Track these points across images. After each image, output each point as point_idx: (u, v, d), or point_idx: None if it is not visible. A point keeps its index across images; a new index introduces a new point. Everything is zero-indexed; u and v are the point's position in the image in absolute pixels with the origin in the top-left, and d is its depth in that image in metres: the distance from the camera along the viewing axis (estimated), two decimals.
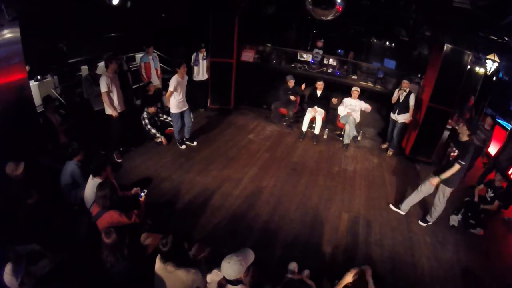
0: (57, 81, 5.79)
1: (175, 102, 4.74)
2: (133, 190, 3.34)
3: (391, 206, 4.20)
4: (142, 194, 3.07)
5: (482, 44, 5.87)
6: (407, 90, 5.29)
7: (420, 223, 3.98)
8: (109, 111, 4.30)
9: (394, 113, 5.57)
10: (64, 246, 2.61)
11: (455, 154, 3.53)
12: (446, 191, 3.68)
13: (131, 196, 3.29)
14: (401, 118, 5.45)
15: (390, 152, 5.77)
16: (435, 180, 3.64)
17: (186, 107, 4.93)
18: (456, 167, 3.46)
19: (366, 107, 5.70)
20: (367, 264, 3.14)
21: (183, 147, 5.13)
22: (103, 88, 4.12)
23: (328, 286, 2.87)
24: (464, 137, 3.49)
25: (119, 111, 4.36)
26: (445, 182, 3.64)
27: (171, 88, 4.56)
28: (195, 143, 5.29)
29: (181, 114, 4.92)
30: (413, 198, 3.99)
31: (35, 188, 2.80)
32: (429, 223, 3.95)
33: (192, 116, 6.17)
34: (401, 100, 5.38)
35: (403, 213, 4.09)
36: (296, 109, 6.28)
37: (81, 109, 5.27)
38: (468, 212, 3.99)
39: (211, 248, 2.54)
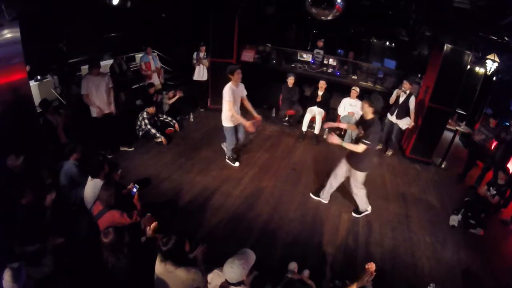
0: (57, 81, 5.80)
1: (230, 115, 4.17)
2: (127, 187, 3.32)
3: (311, 195, 4.08)
4: (134, 190, 3.00)
5: (482, 44, 5.87)
6: (408, 91, 5.18)
7: (354, 214, 3.94)
8: (93, 112, 4.34)
9: (392, 115, 5.46)
10: (64, 246, 2.60)
11: (362, 133, 3.42)
12: (357, 175, 3.59)
13: (126, 194, 3.27)
14: (402, 123, 5.36)
15: (389, 153, 5.76)
16: (334, 139, 3.42)
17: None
18: (360, 146, 3.31)
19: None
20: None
21: (237, 164, 4.72)
22: (82, 90, 4.18)
23: (328, 286, 2.87)
24: (369, 116, 3.37)
25: (103, 113, 4.34)
26: (354, 166, 3.57)
27: (228, 99, 4.01)
28: (237, 163, 4.73)
29: (235, 128, 4.38)
30: (331, 184, 3.95)
31: (29, 187, 2.80)
32: (363, 213, 3.93)
33: (192, 117, 6.21)
34: (400, 102, 5.27)
35: (325, 202, 4.06)
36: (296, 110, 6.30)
37: (79, 108, 5.26)
38: (468, 212, 3.99)
39: (207, 245, 2.54)
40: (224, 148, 4.75)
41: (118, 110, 4.73)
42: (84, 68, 6.26)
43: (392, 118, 5.46)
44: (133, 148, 4.93)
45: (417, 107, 5.29)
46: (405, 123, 5.34)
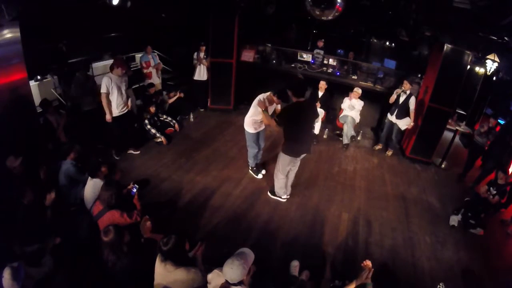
0: (57, 81, 5.80)
1: (252, 120, 4.06)
2: (127, 187, 3.31)
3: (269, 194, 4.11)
4: (134, 190, 3.01)
5: (482, 44, 5.87)
6: (408, 92, 5.16)
7: (268, 193, 4.08)
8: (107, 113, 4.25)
9: (392, 115, 5.46)
10: (64, 246, 2.61)
11: None
12: (279, 156, 3.64)
13: (126, 194, 3.26)
14: (401, 123, 5.34)
15: (389, 152, 5.74)
16: (261, 105, 3.75)
17: (262, 127, 4.25)
18: (273, 121, 3.40)
19: (360, 105, 5.69)
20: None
21: (260, 176, 4.53)
22: (103, 89, 4.02)
23: (328, 286, 2.87)
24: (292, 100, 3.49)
25: (119, 113, 4.29)
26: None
27: (261, 108, 3.78)
28: (263, 171, 4.57)
29: (257, 134, 4.26)
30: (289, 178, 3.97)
31: (30, 187, 2.81)
32: (276, 197, 4.03)
33: (192, 117, 6.21)
34: (400, 102, 5.26)
35: (285, 198, 4.07)
36: None
37: (78, 108, 5.26)
38: (468, 212, 3.99)
39: (206, 244, 2.55)
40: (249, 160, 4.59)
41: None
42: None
43: (392, 118, 5.46)
44: (139, 151, 4.86)
45: (417, 107, 5.27)
46: (404, 123, 5.33)
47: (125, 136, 4.66)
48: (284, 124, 3.36)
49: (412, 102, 5.15)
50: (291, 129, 3.39)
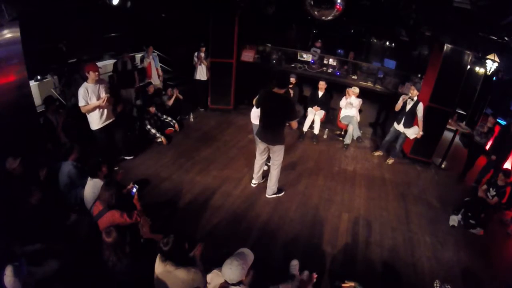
0: (57, 81, 5.80)
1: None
2: (127, 187, 3.30)
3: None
4: (134, 190, 3.00)
5: (482, 44, 5.86)
6: (415, 98, 4.87)
7: (267, 196, 4.08)
8: (93, 125, 3.96)
9: (398, 124, 5.11)
10: (65, 247, 2.61)
11: None
12: (275, 148, 3.73)
13: (126, 194, 3.25)
14: (410, 132, 5.03)
15: (390, 161, 5.44)
16: None
17: None
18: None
19: (359, 103, 5.64)
20: (366, 265, 3.16)
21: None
22: (80, 102, 3.69)
23: (328, 286, 2.87)
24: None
25: (103, 124, 4.00)
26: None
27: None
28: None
29: None
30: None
31: (36, 187, 2.81)
32: (276, 194, 4.09)
33: (192, 117, 6.22)
34: (407, 110, 4.92)
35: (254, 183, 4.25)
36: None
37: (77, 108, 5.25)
38: (468, 212, 3.99)
39: (205, 244, 2.55)
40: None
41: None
42: None
43: (399, 127, 5.14)
44: (132, 157, 4.69)
45: (425, 114, 4.92)
46: (413, 132, 5.03)
47: (116, 145, 4.44)
48: (256, 105, 3.80)
49: (420, 109, 4.83)
50: (260, 111, 3.69)
